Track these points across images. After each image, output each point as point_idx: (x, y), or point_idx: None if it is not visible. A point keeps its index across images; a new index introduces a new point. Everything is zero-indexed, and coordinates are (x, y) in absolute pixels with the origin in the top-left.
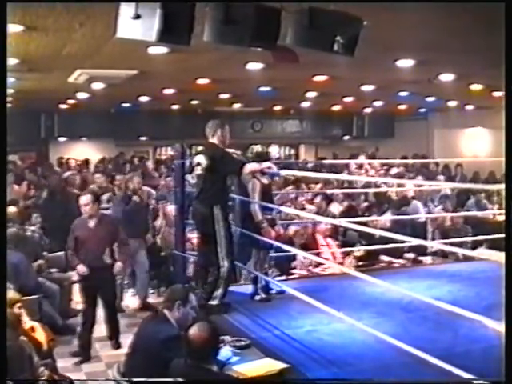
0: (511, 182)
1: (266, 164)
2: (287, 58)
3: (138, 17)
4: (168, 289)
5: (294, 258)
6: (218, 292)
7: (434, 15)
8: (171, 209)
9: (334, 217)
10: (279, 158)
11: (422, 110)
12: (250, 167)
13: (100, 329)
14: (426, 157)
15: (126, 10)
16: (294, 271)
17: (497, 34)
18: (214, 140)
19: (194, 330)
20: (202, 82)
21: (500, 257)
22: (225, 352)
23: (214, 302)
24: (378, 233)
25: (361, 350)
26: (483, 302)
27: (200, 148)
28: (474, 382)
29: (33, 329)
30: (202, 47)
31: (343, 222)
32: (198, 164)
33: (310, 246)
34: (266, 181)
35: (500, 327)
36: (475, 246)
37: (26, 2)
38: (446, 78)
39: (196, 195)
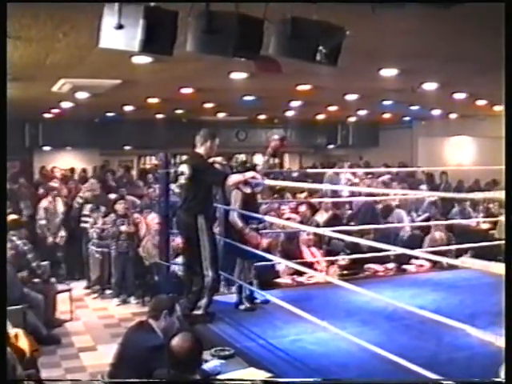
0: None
1: (249, 174)
2: (270, 68)
3: (120, 27)
4: (153, 298)
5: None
6: (203, 302)
7: (417, 24)
8: (153, 218)
9: (318, 225)
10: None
11: (407, 119)
12: (233, 179)
13: (85, 339)
14: (406, 165)
15: (109, 20)
16: (277, 280)
17: (481, 43)
18: (201, 150)
19: (176, 341)
20: (186, 91)
21: (483, 265)
22: (212, 363)
23: (199, 312)
24: (361, 242)
25: (345, 358)
26: (467, 310)
27: (184, 157)
28: (475, 382)
29: (16, 337)
30: (185, 57)
31: (327, 231)
32: (182, 173)
33: (293, 254)
34: (248, 190)
35: (483, 335)
36: (459, 254)
37: (27, 1)
38: (430, 86)
39: (180, 205)
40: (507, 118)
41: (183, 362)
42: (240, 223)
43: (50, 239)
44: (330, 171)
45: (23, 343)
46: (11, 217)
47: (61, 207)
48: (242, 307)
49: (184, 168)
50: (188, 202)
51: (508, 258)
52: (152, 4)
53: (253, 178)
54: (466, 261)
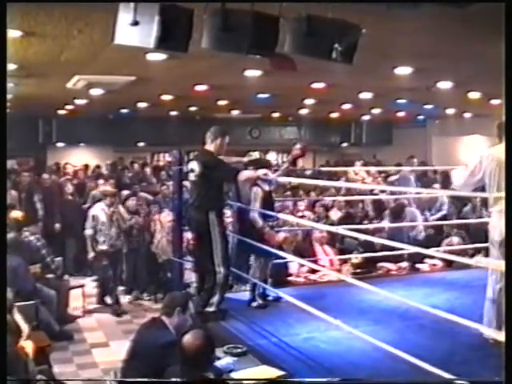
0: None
1: (262, 171)
2: (285, 66)
3: (136, 23)
4: (167, 295)
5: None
6: (215, 299)
7: (432, 23)
8: (166, 215)
9: (332, 223)
10: (277, 165)
11: (421, 118)
12: (245, 174)
13: (97, 335)
14: (425, 164)
15: (125, 17)
16: (290, 278)
17: (495, 42)
18: (211, 147)
19: (187, 338)
20: (200, 88)
21: (498, 265)
22: (225, 360)
23: (211, 309)
24: (375, 240)
25: (358, 357)
26: (480, 310)
27: (194, 154)
28: (476, 381)
29: (26, 334)
30: (200, 54)
31: (340, 230)
32: (192, 170)
33: (307, 253)
34: (267, 187)
35: (497, 335)
36: (473, 253)
37: (27, 2)
38: (444, 85)
39: (191, 202)
40: (507, 118)
41: (194, 359)
42: (260, 221)
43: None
44: (342, 169)
45: (35, 339)
46: (17, 213)
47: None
48: (254, 304)
49: (194, 165)
50: (198, 199)
51: (508, 258)
52: (168, 2)
53: (265, 174)
54: (480, 260)
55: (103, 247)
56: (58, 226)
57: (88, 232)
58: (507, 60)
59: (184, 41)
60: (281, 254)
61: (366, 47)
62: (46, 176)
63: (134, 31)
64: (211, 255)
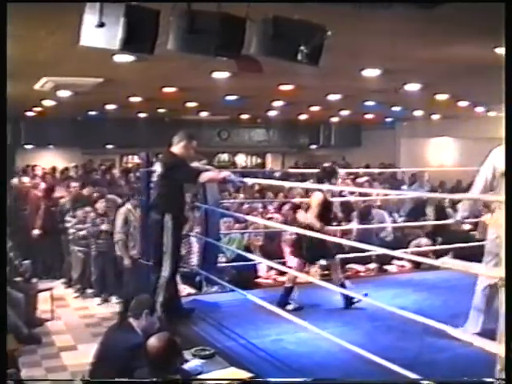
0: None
1: (225, 172)
2: (251, 68)
3: (101, 25)
4: (134, 298)
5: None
6: (158, 302)
7: (399, 25)
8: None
9: (300, 225)
10: (246, 167)
11: (389, 120)
12: (207, 175)
13: (66, 338)
14: (387, 166)
15: (90, 19)
16: (258, 280)
17: (464, 44)
18: (176, 149)
19: (151, 341)
20: (168, 90)
21: (463, 266)
22: (193, 363)
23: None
24: (342, 242)
25: (326, 358)
26: (449, 310)
27: (158, 156)
28: (475, 381)
29: None
30: (167, 55)
31: (306, 231)
32: (154, 172)
33: (275, 255)
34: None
35: (463, 336)
36: (440, 255)
37: (26, 2)
38: (412, 87)
39: (150, 202)
40: (507, 118)
41: (159, 362)
42: (318, 224)
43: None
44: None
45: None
46: None
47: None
48: (290, 307)
49: (157, 166)
50: (157, 199)
51: (508, 258)
52: (133, 3)
53: (228, 176)
54: (446, 261)
55: (134, 252)
56: (35, 230)
57: (119, 237)
58: (507, 60)
59: (150, 42)
60: (249, 256)
61: (333, 49)
62: (15, 178)
63: (100, 33)
64: (161, 257)
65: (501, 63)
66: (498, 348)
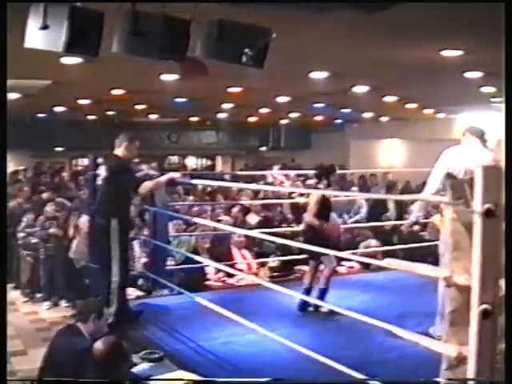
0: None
1: (163, 178)
2: (196, 70)
3: (45, 27)
4: (82, 302)
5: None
6: (112, 309)
7: (346, 27)
8: (84, 220)
9: (250, 227)
10: (196, 169)
11: (339, 122)
12: (147, 185)
13: (15, 343)
14: (342, 167)
15: (34, 21)
16: (207, 282)
17: (411, 47)
18: (119, 152)
19: (97, 345)
20: (116, 92)
21: (408, 266)
22: (141, 366)
23: (109, 320)
24: (291, 244)
25: (275, 359)
26: (395, 311)
27: (102, 159)
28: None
29: None
30: (115, 57)
31: (255, 233)
32: (99, 175)
33: (224, 257)
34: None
35: (408, 335)
36: (388, 255)
37: (27, 2)
38: (360, 89)
39: (95, 207)
40: (507, 118)
41: (104, 366)
42: (317, 221)
43: None
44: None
45: None
46: None
47: None
48: (310, 309)
49: (101, 169)
50: (102, 204)
51: (508, 258)
52: (78, 4)
53: (172, 179)
54: (391, 262)
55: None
56: None
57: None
58: (507, 60)
59: (94, 45)
60: (198, 258)
61: (280, 51)
62: None
63: (44, 35)
64: (110, 263)
65: (446, 65)
66: (443, 348)
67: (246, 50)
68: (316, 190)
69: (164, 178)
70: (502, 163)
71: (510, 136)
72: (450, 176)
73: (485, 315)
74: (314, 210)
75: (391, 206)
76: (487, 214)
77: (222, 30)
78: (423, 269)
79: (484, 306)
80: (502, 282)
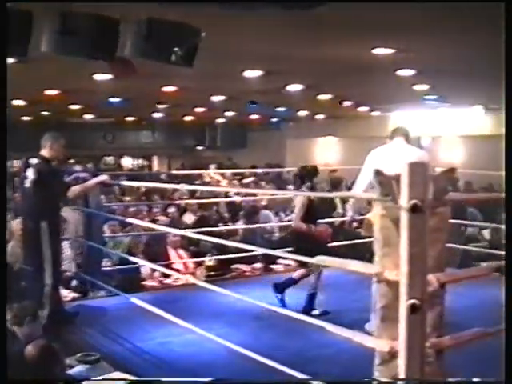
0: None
1: (92, 181)
2: (125, 70)
3: None
4: (17, 305)
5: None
6: (44, 312)
7: (278, 26)
8: (17, 223)
9: (187, 227)
10: (132, 169)
11: (275, 120)
12: (76, 190)
13: None
14: (272, 166)
15: None
16: (144, 283)
17: (343, 45)
18: (44, 152)
19: (29, 348)
20: (50, 92)
21: (340, 263)
22: (77, 368)
23: (43, 322)
24: (227, 243)
25: (212, 359)
26: (330, 307)
27: (30, 160)
28: (475, 381)
29: None
30: (47, 57)
31: (188, 233)
32: (26, 177)
33: (161, 257)
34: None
35: (340, 331)
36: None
37: (27, 2)
38: (294, 88)
39: (25, 209)
40: (507, 117)
41: (36, 369)
42: (304, 226)
43: None
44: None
45: None
46: None
47: None
48: (316, 312)
49: (29, 172)
50: (31, 206)
51: (509, 257)
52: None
53: (103, 181)
54: (323, 259)
55: None
56: None
57: None
58: (507, 60)
59: (22, 44)
60: (133, 259)
61: (213, 50)
62: None
63: None
64: (42, 265)
65: (379, 64)
66: (375, 343)
67: (176, 49)
68: (254, 190)
69: (92, 182)
70: (426, 159)
71: (511, 135)
72: (378, 173)
73: (413, 310)
74: (301, 215)
75: (338, 202)
76: (413, 210)
77: (151, 29)
78: (355, 265)
79: (412, 301)
80: (431, 277)
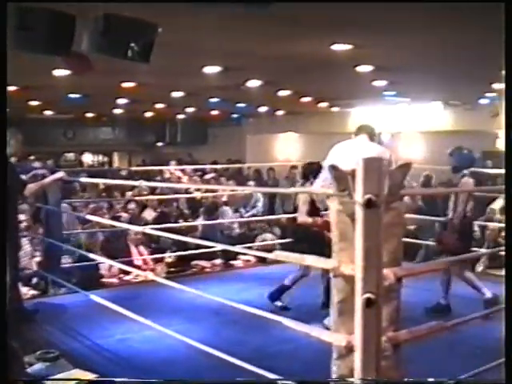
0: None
1: (48, 179)
2: (80, 65)
3: None
4: None
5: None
6: None
7: (236, 22)
8: None
9: (147, 223)
10: (93, 166)
11: (235, 116)
12: (31, 188)
13: None
14: (233, 162)
15: None
16: (103, 280)
17: (299, 42)
18: None
19: None
20: (9, 88)
21: (296, 258)
22: (37, 366)
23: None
24: (187, 240)
25: (171, 355)
26: (292, 302)
27: None
28: (475, 381)
29: None
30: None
31: (147, 230)
32: None
33: (121, 253)
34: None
35: (299, 327)
36: (283, 248)
37: (26, 2)
38: (254, 84)
39: None
40: (507, 117)
41: None
42: (310, 219)
43: None
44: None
45: None
46: None
47: None
48: (277, 303)
49: None
50: None
51: (508, 256)
52: None
53: (60, 178)
54: (279, 254)
55: None
56: None
57: None
58: (507, 59)
59: None
60: (90, 255)
61: (172, 46)
62: None
63: None
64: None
65: (338, 60)
66: (332, 337)
67: (132, 45)
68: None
69: (48, 180)
70: (387, 156)
71: (510, 132)
72: (334, 168)
73: (368, 304)
74: (305, 210)
75: None
76: (368, 205)
77: (108, 24)
78: (311, 260)
79: (367, 295)
80: (387, 272)
